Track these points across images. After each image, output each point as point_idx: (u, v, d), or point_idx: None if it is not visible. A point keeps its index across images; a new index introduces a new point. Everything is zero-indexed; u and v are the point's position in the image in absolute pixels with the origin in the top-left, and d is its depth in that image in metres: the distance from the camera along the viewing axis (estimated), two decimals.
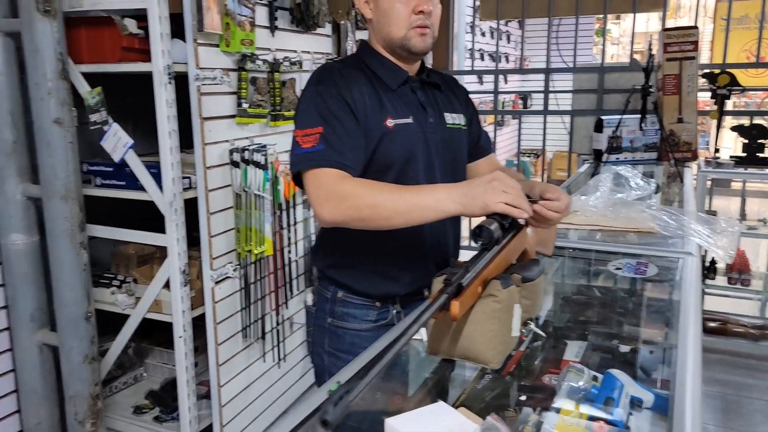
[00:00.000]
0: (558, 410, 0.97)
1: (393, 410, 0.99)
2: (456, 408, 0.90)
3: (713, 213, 3.22)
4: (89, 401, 2.09)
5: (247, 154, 2.34)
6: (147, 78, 2.11)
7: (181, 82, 2.12)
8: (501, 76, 3.96)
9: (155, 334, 2.84)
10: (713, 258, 3.31)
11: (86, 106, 2.15)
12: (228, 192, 2.36)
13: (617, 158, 3.08)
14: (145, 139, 2.52)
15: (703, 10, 8.71)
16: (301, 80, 2.70)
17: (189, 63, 2.12)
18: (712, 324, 3.22)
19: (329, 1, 2.76)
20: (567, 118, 3.69)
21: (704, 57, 7.20)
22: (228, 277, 2.38)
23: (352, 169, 1.26)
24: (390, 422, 0.81)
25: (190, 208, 2.23)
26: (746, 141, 3.20)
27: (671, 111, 3.11)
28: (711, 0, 8.33)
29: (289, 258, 2.68)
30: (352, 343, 1.50)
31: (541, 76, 3.77)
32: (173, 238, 2.17)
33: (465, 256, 1.43)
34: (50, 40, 1.85)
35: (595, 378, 1.00)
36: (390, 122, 1.34)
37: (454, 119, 1.48)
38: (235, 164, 2.34)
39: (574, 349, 1.23)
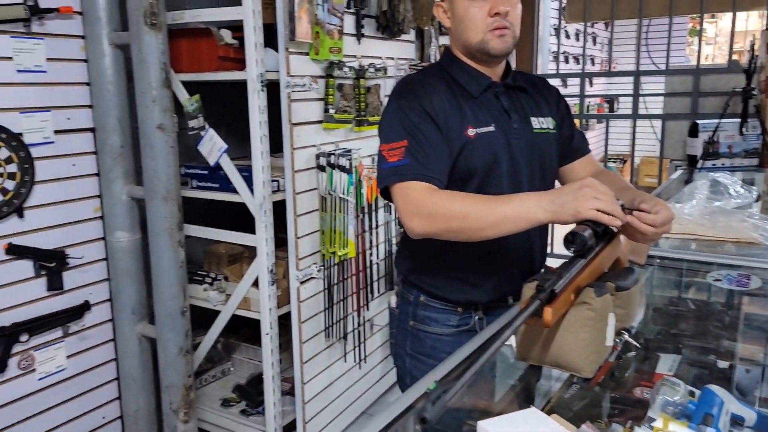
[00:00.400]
0: (651, 425, 0.95)
1: (480, 414, 1.00)
2: None
3: None
4: (183, 392, 2.21)
5: (332, 159, 2.40)
6: (239, 85, 2.21)
7: (271, 89, 2.21)
8: (586, 79, 3.87)
9: (242, 330, 2.95)
10: None
11: (185, 113, 2.28)
12: (314, 195, 2.43)
13: (713, 164, 2.94)
14: (236, 144, 2.63)
15: None
16: (386, 86, 2.74)
17: (280, 71, 2.20)
18: None
19: (414, 8, 2.79)
20: (657, 123, 3.55)
21: None
22: (312, 278, 2.45)
23: (438, 180, 1.27)
24: (483, 425, 0.82)
25: (278, 210, 2.31)
26: None
27: None
28: None
29: (371, 260, 2.72)
30: (433, 347, 1.51)
31: (628, 79, 3.66)
32: (262, 238, 2.26)
33: (552, 263, 1.42)
34: (156, 52, 1.97)
35: (691, 393, 0.97)
36: (471, 131, 1.34)
37: (542, 123, 1.46)
38: (321, 168, 2.41)
39: (667, 363, 1.20)
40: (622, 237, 1.16)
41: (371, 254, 2.72)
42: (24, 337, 2.02)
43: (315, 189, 2.43)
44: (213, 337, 2.48)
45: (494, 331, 1.27)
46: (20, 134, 1.96)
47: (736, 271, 1.53)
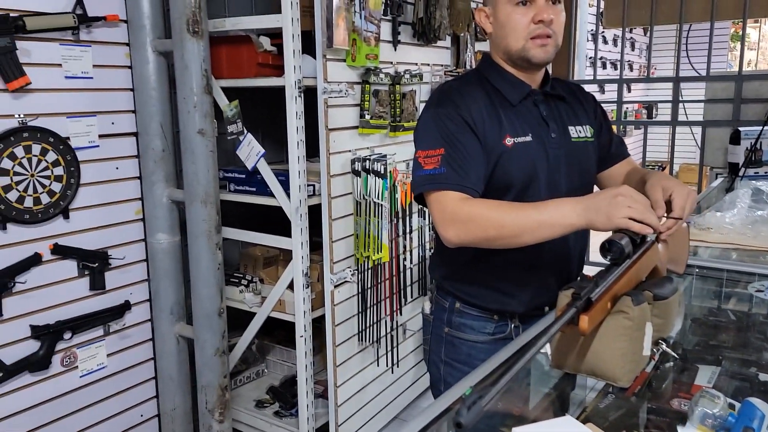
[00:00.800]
0: None
1: (514, 421, 1.00)
2: None
3: None
4: (218, 392, 2.24)
5: (367, 163, 2.42)
6: (276, 90, 2.24)
7: (308, 94, 2.24)
8: (624, 85, 3.82)
9: (276, 332, 2.99)
10: None
11: (225, 118, 2.33)
12: (349, 199, 2.45)
13: (756, 172, 2.87)
14: (273, 148, 2.68)
15: None
16: (421, 92, 2.75)
17: (318, 77, 2.23)
18: None
19: (450, 15, 2.80)
20: (696, 129, 3.49)
21: None
22: (346, 281, 2.47)
23: (474, 190, 1.27)
24: None
25: (313, 214, 2.34)
26: None
27: None
28: None
29: (404, 265, 2.73)
30: (468, 354, 1.51)
31: (667, 85, 3.60)
32: (298, 242, 2.29)
33: (588, 271, 1.41)
34: (197, 59, 2.02)
35: (731, 406, 0.96)
36: (509, 140, 1.34)
37: (579, 132, 1.45)
38: (356, 173, 2.43)
39: (706, 374, 1.18)
40: (660, 245, 1.15)
41: (405, 259, 2.73)
42: (67, 335, 2.08)
43: (350, 193, 2.45)
44: (248, 338, 2.52)
45: (530, 338, 1.27)
46: (67, 138, 2.02)
47: None
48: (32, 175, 1.94)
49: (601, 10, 3.82)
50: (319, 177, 2.35)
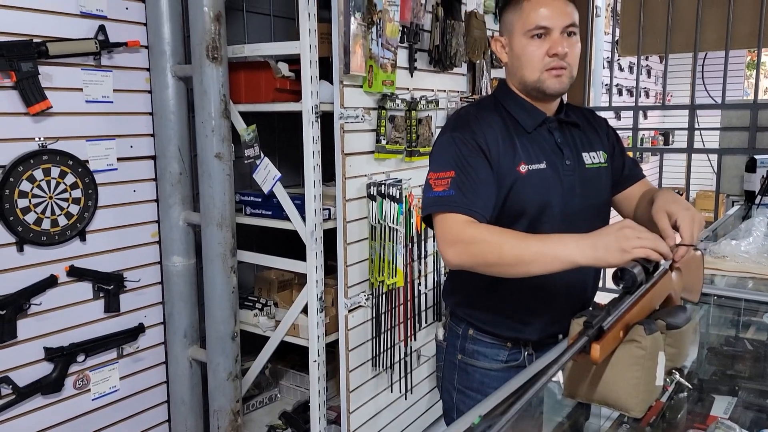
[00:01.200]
0: None
1: None
2: None
3: None
4: (230, 416, 2.24)
5: (383, 188, 2.43)
6: (292, 115, 2.27)
7: (324, 119, 2.27)
8: (640, 112, 3.82)
9: (289, 356, 2.98)
10: None
11: (242, 142, 2.36)
12: (364, 224, 2.46)
13: None
14: (289, 171, 2.70)
15: None
16: (437, 118, 2.77)
17: (335, 103, 2.25)
18: None
19: (466, 43, 2.82)
20: (713, 157, 3.47)
21: None
22: (360, 306, 2.46)
23: (481, 216, 1.27)
24: None
25: (328, 238, 2.35)
26: None
27: None
28: None
29: (419, 290, 2.72)
30: (481, 382, 1.50)
31: (683, 112, 3.59)
32: (313, 266, 2.30)
33: (600, 297, 1.40)
34: (216, 84, 2.06)
35: None
36: (523, 167, 1.34)
37: (593, 158, 1.45)
38: (371, 197, 2.44)
39: (722, 405, 1.16)
40: (673, 273, 1.14)
41: (419, 284, 2.72)
42: (81, 358, 2.09)
43: (365, 218, 2.46)
44: (261, 362, 2.52)
45: (542, 366, 1.26)
46: (86, 161, 2.06)
47: None
48: (50, 198, 1.97)
49: (616, 39, 3.83)
50: (335, 201, 2.36)
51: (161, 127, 2.22)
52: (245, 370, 2.52)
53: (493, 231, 1.23)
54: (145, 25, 2.19)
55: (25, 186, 1.91)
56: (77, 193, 2.04)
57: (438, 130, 1.61)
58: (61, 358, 2.03)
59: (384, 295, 2.54)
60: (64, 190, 2.00)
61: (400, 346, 2.68)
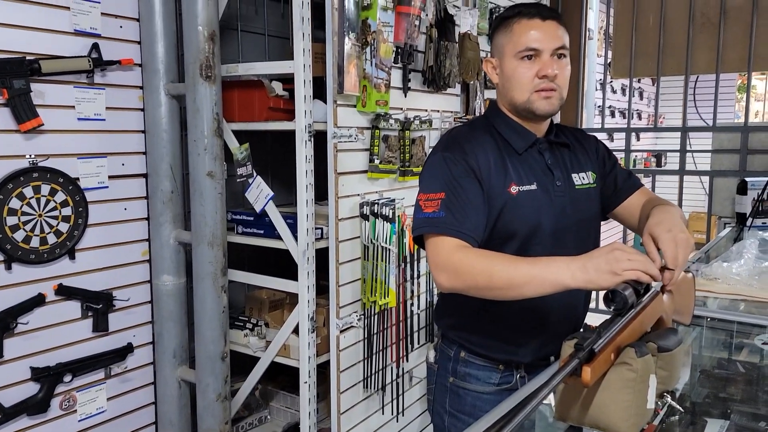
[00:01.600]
0: None
1: None
2: None
3: None
4: None
5: (376, 208, 2.43)
6: (286, 134, 2.27)
7: (318, 137, 2.27)
8: (633, 134, 3.85)
9: (279, 377, 2.95)
10: None
11: (234, 160, 2.35)
12: (356, 243, 2.45)
13: (764, 223, 2.86)
14: (281, 189, 2.70)
15: None
16: (430, 138, 2.78)
17: (328, 122, 2.26)
18: None
19: (460, 64, 2.84)
20: (705, 178, 3.49)
21: None
22: (352, 327, 2.44)
23: (471, 238, 1.27)
24: None
25: (320, 257, 2.34)
26: None
27: None
28: None
29: (412, 310, 2.71)
30: (473, 405, 1.48)
31: (676, 134, 3.62)
32: (304, 285, 2.28)
33: (592, 318, 1.39)
34: (209, 102, 2.06)
35: None
36: (514, 189, 1.34)
37: (583, 179, 1.45)
38: (364, 217, 2.43)
39: (714, 428, 1.15)
40: (665, 295, 1.14)
41: (412, 304, 2.71)
42: (67, 378, 2.06)
43: (358, 237, 2.45)
44: (252, 383, 2.49)
45: (533, 389, 1.24)
46: (77, 179, 2.05)
47: None
48: (40, 215, 1.96)
49: (609, 61, 3.87)
50: (327, 220, 2.35)
51: (153, 145, 2.21)
52: (235, 391, 2.49)
53: (484, 255, 1.22)
54: (139, 43, 2.19)
55: (15, 203, 1.89)
56: (67, 211, 2.03)
57: (432, 149, 1.62)
58: (48, 378, 2.00)
59: (376, 316, 2.52)
60: (54, 208, 1.99)
61: (392, 368, 2.66)
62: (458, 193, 1.29)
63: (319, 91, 2.27)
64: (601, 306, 3.05)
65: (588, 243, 1.45)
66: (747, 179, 2.96)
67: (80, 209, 2.06)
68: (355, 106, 2.36)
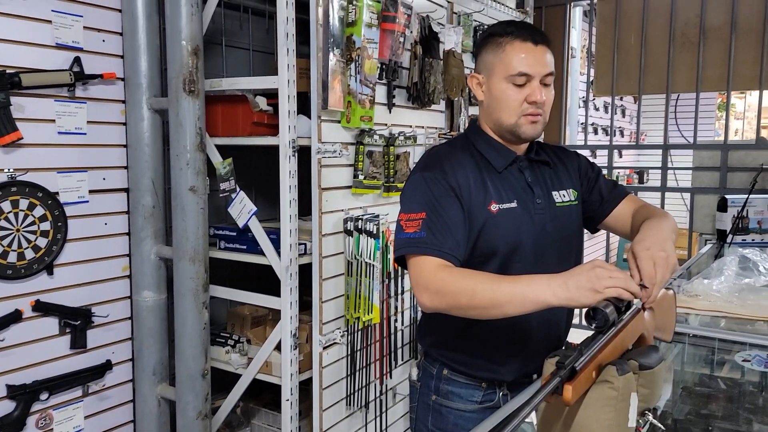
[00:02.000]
0: None
1: None
2: None
3: None
4: None
5: (360, 223, 2.42)
6: (270, 149, 2.26)
7: (302, 153, 2.26)
8: (615, 151, 3.90)
9: (261, 395, 2.91)
10: None
11: (217, 175, 2.34)
12: (340, 259, 2.43)
13: (743, 240, 2.90)
14: (265, 204, 2.68)
15: None
16: (415, 153, 2.78)
17: (312, 137, 2.25)
18: None
19: (444, 80, 2.86)
20: (687, 195, 3.53)
21: None
22: (335, 343, 2.42)
23: (453, 257, 1.26)
24: None
25: (303, 273, 2.32)
26: None
27: None
28: None
29: (395, 327, 2.70)
30: (456, 423, 1.47)
31: (658, 151, 3.66)
32: (287, 301, 2.26)
33: (576, 334, 1.39)
34: (192, 117, 2.05)
35: None
36: (494, 207, 1.34)
37: (563, 197, 1.45)
38: (348, 232, 2.43)
39: None
40: (646, 313, 1.14)
41: (396, 320, 2.69)
42: (44, 396, 2.02)
43: (341, 253, 2.44)
44: (233, 401, 2.45)
45: (515, 407, 1.24)
46: (56, 193, 2.03)
47: (765, 351, 1.47)
48: (18, 230, 1.93)
49: (591, 79, 3.92)
50: (311, 236, 2.34)
51: (135, 159, 2.19)
52: (216, 409, 2.45)
53: (465, 274, 1.22)
54: (122, 57, 2.18)
55: None
56: (46, 226, 2.00)
57: (413, 168, 1.62)
58: (24, 396, 1.96)
59: (360, 332, 2.51)
60: (33, 223, 1.96)
61: (375, 384, 2.64)
62: (439, 212, 1.29)
63: (303, 106, 2.27)
64: (585, 322, 3.06)
65: (569, 260, 1.45)
66: (727, 196, 3.00)
67: (59, 224, 2.03)
68: (339, 122, 2.36)
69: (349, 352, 2.49)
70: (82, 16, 2.06)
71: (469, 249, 1.32)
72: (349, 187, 2.46)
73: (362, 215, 2.46)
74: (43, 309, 2.00)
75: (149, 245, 2.22)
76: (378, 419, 2.69)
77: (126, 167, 2.22)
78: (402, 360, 2.78)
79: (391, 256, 2.57)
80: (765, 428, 1.28)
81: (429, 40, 2.77)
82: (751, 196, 2.90)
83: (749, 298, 1.73)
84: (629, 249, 1.21)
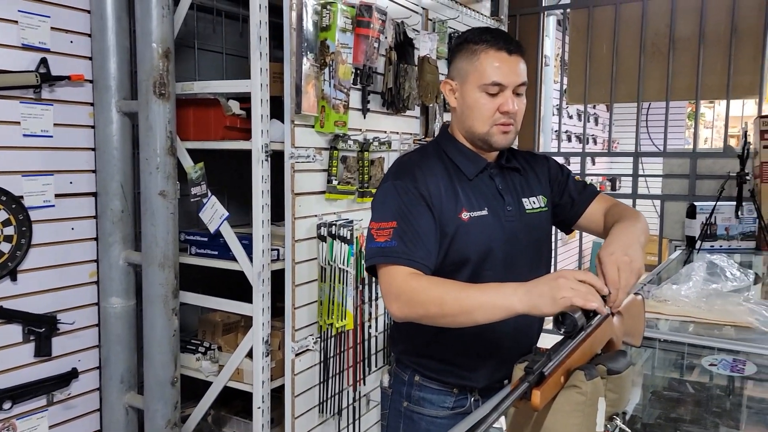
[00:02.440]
0: None
1: None
2: None
3: None
4: None
5: (333, 229, 2.41)
6: (243, 153, 2.24)
7: (275, 158, 2.24)
8: (588, 158, 3.94)
9: (233, 402, 2.87)
10: None
11: (188, 180, 2.31)
12: (313, 265, 2.42)
13: (711, 246, 2.95)
14: (238, 210, 2.65)
15: None
16: (389, 159, 2.78)
17: (285, 142, 2.23)
18: None
19: (419, 86, 2.86)
20: (658, 202, 3.58)
21: None
22: (308, 350, 2.40)
23: (424, 266, 1.26)
24: None
25: (276, 279, 2.30)
26: None
27: None
28: None
29: (369, 333, 2.68)
30: (427, 430, 1.47)
31: (630, 159, 3.71)
32: (259, 308, 2.24)
33: (547, 339, 1.39)
34: (162, 120, 2.02)
35: None
36: (465, 215, 1.35)
37: (534, 203, 1.46)
38: (321, 238, 2.41)
39: None
40: (615, 318, 1.14)
41: (370, 326, 2.68)
42: (7, 405, 1.97)
43: (315, 259, 2.42)
44: (203, 409, 2.42)
45: (484, 413, 1.24)
46: (21, 197, 1.98)
47: (732, 356, 1.50)
48: None
49: (565, 87, 3.96)
50: (284, 241, 2.32)
51: (104, 163, 2.15)
52: (186, 418, 2.41)
53: (435, 283, 1.22)
54: (91, 59, 2.14)
55: None
56: (9, 231, 1.95)
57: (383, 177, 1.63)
58: None
59: (333, 338, 2.49)
60: None
61: (348, 391, 2.62)
62: (410, 221, 1.28)
63: (277, 110, 2.25)
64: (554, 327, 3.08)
65: (540, 267, 1.46)
66: (696, 203, 3.05)
67: (24, 229, 1.98)
68: (313, 127, 2.35)
69: (322, 359, 2.47)
70: (49, 17, 2.02)
71: (440, 257, 1.32)
72: (323, 192, 2.45)
73: (336, 221, 2.45)
74: (5, 316, 1.95)
75: (118, 250, 2.18)
76: (351, 426, 2.67)
77: (94, 171, 2.18)
78: (376, 366, 2.77)
79: (365, 261, 2.56)
80: (732, 431, 1.30)
81: (404, 46, 2.77)
82: (719, 203, 2.95)
83: (716, 303, 1.76)
84: (597, 255, 1.22)
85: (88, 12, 2.13)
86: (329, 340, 2.48)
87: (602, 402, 0.96)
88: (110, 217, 2.17)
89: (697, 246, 2.93)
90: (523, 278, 1.17)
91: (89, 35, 2.14)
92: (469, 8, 3.29)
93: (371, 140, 2.64)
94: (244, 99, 2.27)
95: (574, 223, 1.53)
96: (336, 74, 2.36)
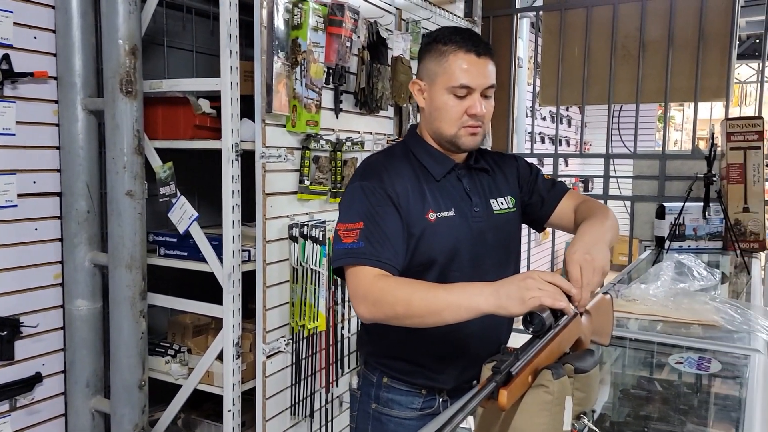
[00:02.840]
0: None
1: None
2: None
3: None
4: None
5: (305, 229, 2.39)
6: (213, 153, 2.21)
7: (246, 158, 2.21)
8: (561, 160, 3.97)
9: (203, 405, 2.83)
10: None
11: (157, 180, 2.27)
12: (285, 266, 2.39)
13: (680, 246, 3.00)
14: (209, 211, 2.62)
15: None
16: (362, 159, 2.76)
17: (256, 142, 2.21)
18: None
19: (392, 87, 2.86)
20: (628, 203, 3.63)
21: None
22: (280, 352, 2.38)
23: (391, 267, 1.26)
24: None
25: (247, 280, 2.27)
26: None
27: (736, 200, 3.03)
28: None
29: (342, 334, 2.67)
30: (395, 431, 1.46)
31: (602, 160, 3.75)
32: (230, 309, 2.21)
33: (518, 338, 1.39)
34: (129, 119, 1.98)
35: None
36: (432, 215, 1.34)
37: (501, 204, 1.46)
38: (293, 239, 2.39)
39: None
40: (583, 317, 1.14)
41: (342, 328, 2.67)
42: None
43: (286, 260, 2.40)
44: (173, 413, 2.38)
45: (452, 414, 1.23)
46: None
47: (698, 354, 1.51)
48: None
49: (538, 89, 3.99)
50: (255, 242, 2.29)
51: (69, 162, 2.10)
52: (154, 421, 2.37)
53: (402, 284, 1.21)
54: (55, 55, 2.09)
55: None
56: None
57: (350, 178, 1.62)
58: None
59: (305, 340, 2.47)
60: None
61: (321, 393, 2.60)
62: (377, 222, 1.27)
63: (248, 109, 2.22)
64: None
65: (508, 267, 1.46)
66: (665, 204, 3.09)
67: None
68: (284, 126, 2.33)
69: (294, 361, 2.45)
70: (12, 12, 1.97)
71: (407, 258, 1.32)
72: (295, 192, 2.43)
73: (308, 221, 2.43)
74: None
75: (83, 252, 2.13)
76: (323, 428, 2.65)
77: (59, 170, 2.13)
78: (348, 368, 2.75)
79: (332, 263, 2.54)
80: (697, 428, 1.31)
81: (377, 45, 2.76)
82: (687, 203, 2.99)
83: (684, 302, 1.78)
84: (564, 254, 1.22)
85: (53, 7, 2.08)
86: (301, 342, 2.45)
87: (569, 401, 0.96)
88: (75, 217, 2.12)
89: (666, 246, 2.97)
90: (490, 278, 1.16)
91: (54, 31, 2.08)
92: (443, 9, 3.29)
93: (344, 140, 2.63)
94: (215, 98, 2.24)
95: (545, 222, 1.54)
96: (308, 73, 2.34)
